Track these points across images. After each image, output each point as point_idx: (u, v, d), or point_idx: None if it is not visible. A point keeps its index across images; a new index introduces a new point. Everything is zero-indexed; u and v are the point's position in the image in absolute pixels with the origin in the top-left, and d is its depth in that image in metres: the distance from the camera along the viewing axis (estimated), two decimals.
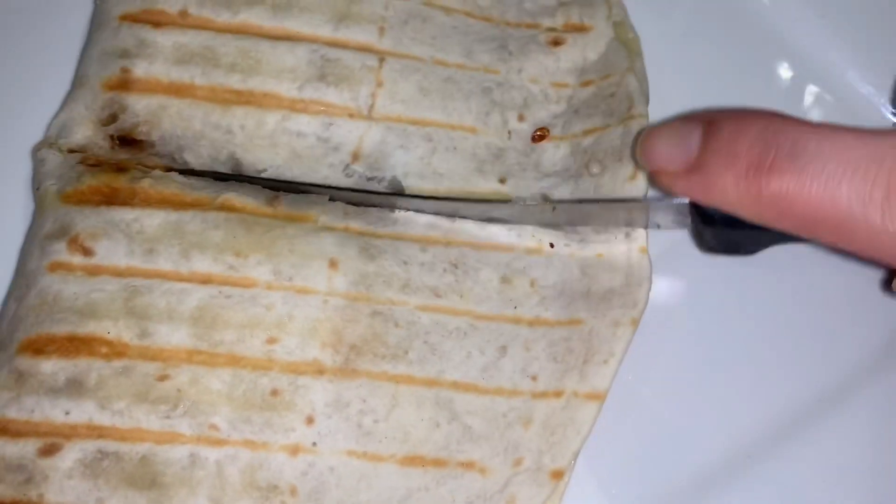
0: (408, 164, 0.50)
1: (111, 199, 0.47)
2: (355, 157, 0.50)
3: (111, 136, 0.49)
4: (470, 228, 0.49)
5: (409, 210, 0.49)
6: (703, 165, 0.39)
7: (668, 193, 0.45)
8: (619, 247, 0.49)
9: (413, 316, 0.46)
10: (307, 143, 0.49)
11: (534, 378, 0.47)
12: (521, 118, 0.52)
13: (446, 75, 0.51)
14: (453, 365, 0.46)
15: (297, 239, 0.47)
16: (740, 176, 0.37)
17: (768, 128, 0.37)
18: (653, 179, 0.45)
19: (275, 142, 0.49)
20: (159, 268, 0.45)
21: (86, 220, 0.46)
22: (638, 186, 0.49)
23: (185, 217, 0.47)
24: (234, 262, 0.46)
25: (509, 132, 0.52)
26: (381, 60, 0.51)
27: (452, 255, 0.48)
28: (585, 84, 0.53)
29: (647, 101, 0.52)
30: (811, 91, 0.57)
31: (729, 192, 0.38)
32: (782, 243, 0.44)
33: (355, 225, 0.48)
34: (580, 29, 0.54)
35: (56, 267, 0.45)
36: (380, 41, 0.51)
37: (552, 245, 0.49)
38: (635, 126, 0.50)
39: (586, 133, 0.52)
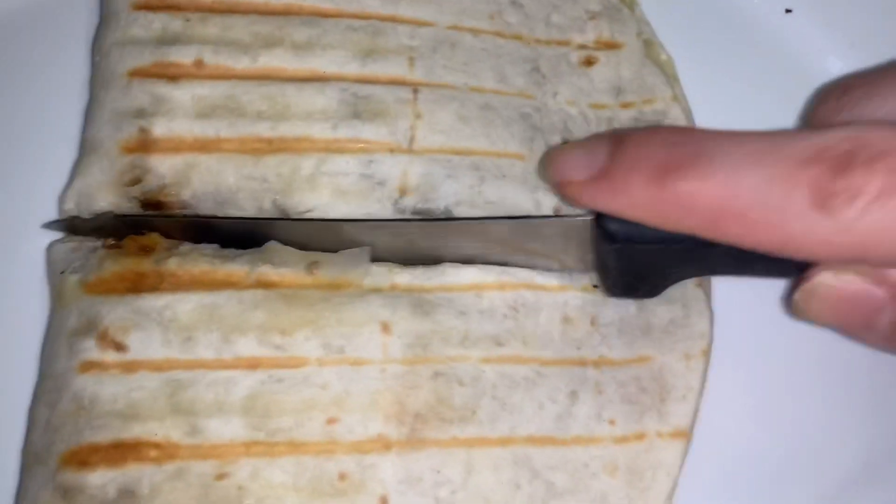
0: (458, 193, 0.44)
1: (138, 285, 0.40)
2: (403, 191, 0.44)
3: (136, 199, 0.43)
4: (522, 274, 0.43)
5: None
6: (611, 171, 0.38)
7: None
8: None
9: (477, 371, 0.41)
10: (350, 181, 0.44)
11: (611, 422, 0.42)
12: (565, 142, 0.47)
13: (483, 102, 0.46)
14: (526, 418, 0.41)
15: (344, 306, 0.41)
16: (646, 178, 0.36)
17: (673, 134, 0.37)
18: (559, 192, 0.41)
19: (316, 184, 0.43)
20: (200, 357, 0.39)
21: (113, 312, 0.40)
22: None
23: (219, 299, 0.40)
24: (281, 342, 0.40)
25: None
26: (415, 92, 0.45)
27: (510, 299, 0.43)
28: (625, 106, 0.49)
29: None
30: None
31: (635, 195, 0.36)
32: (686, 270, 0.42)
33: (403, 280, 0.42)
34: (612, 46, 0.50)
35: (88, 366, 0.39)
36: (411, 72, 0.46)
37: (595, 286, 0.44)
38: None
39: None
